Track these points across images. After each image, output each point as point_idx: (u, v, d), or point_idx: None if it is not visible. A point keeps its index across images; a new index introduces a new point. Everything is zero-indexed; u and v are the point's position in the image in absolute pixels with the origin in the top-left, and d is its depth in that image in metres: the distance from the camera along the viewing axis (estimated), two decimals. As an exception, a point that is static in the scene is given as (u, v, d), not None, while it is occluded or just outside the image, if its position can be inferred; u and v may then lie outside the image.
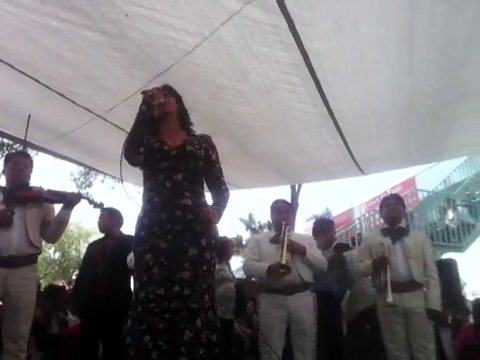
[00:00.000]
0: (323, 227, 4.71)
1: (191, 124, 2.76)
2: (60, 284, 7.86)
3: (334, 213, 20.90)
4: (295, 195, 14.57)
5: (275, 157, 4.83)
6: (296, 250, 3.62)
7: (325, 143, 4.34)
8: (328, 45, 2.79)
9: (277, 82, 3.17)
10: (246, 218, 24.03)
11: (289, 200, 13.80)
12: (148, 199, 2.43)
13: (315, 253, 3.75)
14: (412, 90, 3.37)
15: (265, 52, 2.81)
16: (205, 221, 2.34)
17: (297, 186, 14.39)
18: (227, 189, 2.68)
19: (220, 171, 2.69)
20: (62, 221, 3.29)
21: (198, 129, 3.92)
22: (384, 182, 30.56)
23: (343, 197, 45.52)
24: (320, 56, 2.89)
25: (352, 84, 3.32)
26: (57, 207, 3.36)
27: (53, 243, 4.56)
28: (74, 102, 3.24)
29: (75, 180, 15.07)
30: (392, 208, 3.91)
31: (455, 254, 9.89)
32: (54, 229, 3.35)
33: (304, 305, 3.59)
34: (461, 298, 6.56)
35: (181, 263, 2.28)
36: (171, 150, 2.47)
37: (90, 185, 14.98)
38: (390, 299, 3.45)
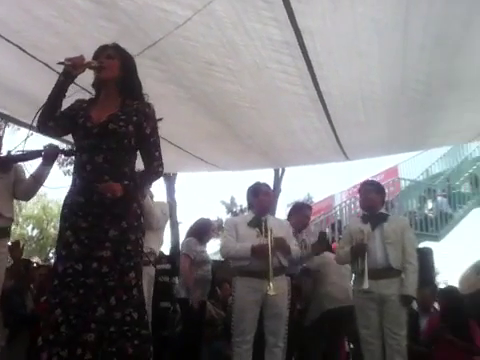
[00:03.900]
0: (295, 209, 4.78)
1: (139, 93, 2.48)
2: (34, 260, 7.72)
3: (316, 199, 21.05)
4: (278, 180, 14.65)
5: (261, 139, 4.77)
6: (283, 252, 3.66)
7: (312, 127, 4.30)
8: (323, 24, 2.72)
9: (268, 61, 3.10)
10: (228, 201, 23.94)
11: (272, 185, 13.94)
12: (73, 180, 2.36)
13: (294, 247, 3.79)
14: (404, 76, 3.34)
15: (258, 29, 2.73)
16: (104, 195, 2.20)
17: (280, 171, 14.45)
18: (159, 165, 2.43)
19: (155, 145, 2.43)
20: (39, 178, 3.09)
21: (184, 107, 3.87)
22: (367, 170, 30.77)
23: (326, 184, 45.78)
24: (314, 36, 2.82)
25: (344, 67, 3.27)
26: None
27: (26, 200, 4.44)
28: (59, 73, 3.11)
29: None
30: (366, 196, 3.93)
31: (431, 243, 10.06)
32: (29, 186, 3.22)
33: (280, 288, 3.60)
34: (434, 286, 6.66)
35: (102, 242, 2.22)
36: (94, 127, 2.30)
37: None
38: (366, 286, 3.50)
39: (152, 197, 4.21)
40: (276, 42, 2.89)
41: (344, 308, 4.07)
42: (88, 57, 2.37)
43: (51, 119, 2.33)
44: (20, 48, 2.88)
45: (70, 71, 2.26)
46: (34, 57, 2.97)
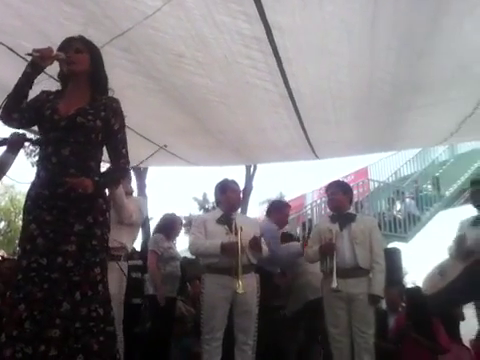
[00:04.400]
0: (275, 207, 4.85)
1: (105, 87, 2.46)
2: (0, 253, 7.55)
3: (287, 198, 21.19)
4: (250, 178, 14.67)
5: (232, 135, 4.77)
6: (255, 251, 3.69)
7: (282, 124, 4.32)
8: (292, 21, 2.73)
9: (238, 55, 3.09)
10: (200, 198, 23.86)
11: (244, 182, 13.98)
12: (37, 172, 2.32)
13: (263, 246, 3.79)
14: (372, 76, 3.38)
15: (227, 22, 2.72)
16: (74, 189, 2.18)
17: (252, 169, 14.48)
18: (125, 163, 2.44)
19: (121, 142, 2.42)
20: (3, 166, 3.02)
21: (153, 99, 3.83)
22: (338, 170, 31.19)
23: (297, 183, 46.25)
24: (283, 32, 2.83)
25: (313, 65, 3.29)
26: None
27: None
28: (25, 58, 3.03)
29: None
30: (333, 197, 3.99)
31: (400, 244, 10.26)
32: None
33: (249, 285, 3.61)
34: (402, 286, 6.78)
35: (67, 236, 2.20)
36: (61, 120, 2.27)
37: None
38: (335, 285, 3.53)
39: (131, 193, 4.19)
40: (246, 37, 2.89)
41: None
42: (54, 43, 2.32)
43: (16, 110, 2.28)
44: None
45: (38, 62, 2.22)
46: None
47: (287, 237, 5.52)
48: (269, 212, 4.80)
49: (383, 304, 4.99)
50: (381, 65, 3.20)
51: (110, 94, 2.47)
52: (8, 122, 2.37)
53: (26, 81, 2.25)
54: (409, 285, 8.65)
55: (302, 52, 3.12)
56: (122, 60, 3.18)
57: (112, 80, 2.52)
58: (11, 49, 2.94)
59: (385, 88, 3.48)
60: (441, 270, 4.29)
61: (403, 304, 5.10)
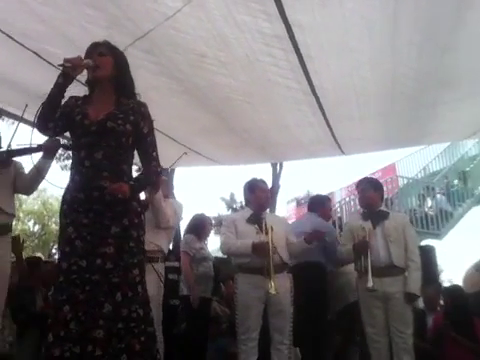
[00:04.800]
0: (318, 202, 4.84)
1: (131, 91, 2.50)
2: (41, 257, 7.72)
3: (315, 196, 20.96)
4: (276, 176, 14.61)
5: (256, 133, 4.78)
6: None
7: (306, 121, 4.31)
8: (312, 19, 2.73)
9: (259, 54, 3.11)
10: (227, 198, 23.90)
11: (271, 181, 13.93)
12: (71, 176, 2.37)
13: (292, 243, 3.81)
14: (395, 72, 3.35)
15: (248, 21, 2.74)
16: (110, 194, 2.22)
17: (278, 167, 14.43)
18: (157, 166, 2.48)
19: (152, 145, 2.47)
20: (40, 171, 3.11)
21: (176, 99, 3.89)
22: (365, 167, 30.77)
23: (324, 181, 45.68)
24: (304, 30, 2.83)
25: (335, 62, 3.28)
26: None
27: (28, 194, 4.45)
28: (50, 63, 3.11)
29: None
30: (364, 194, 3.92)
31: (433, 241, 10.05)
32: (30, 179, 3.24)
33: (282, 286, 3.58)
34: (439, 284, 6.68)
35: (104, 238, 2.24)
36: (92, 125, 2.32)
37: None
38: (370, 284, 3.46)
39: (168, 197, 4.26)
40: (267, 35, 2.91)
41: None
42: (78, 47, 2.38)
43: (51, 120, 2.34)
44: (8, 36, 2.86)
45: (69, 72, 2.27)
46: (22, 45, 2.95)
47: None
48: (312, 207, 4.77)
49: (420, 303, 4.90)
50: (404, 61, 3.17)
51: (138, 98, 2.51)
52: (44, 132, 2.45)
53: (59, 91, 2.30)
54: (445, 283, 8.50)
55: (323, 49, 3.12)
56: (145, 62, 3.24)
57: (136, 82, 2.56)
58: (38, 55, 3.02)
59: (409, 83, 3.44)
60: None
61: (441, 303, 5.00)
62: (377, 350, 3.59)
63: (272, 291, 3.39)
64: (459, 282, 5.26)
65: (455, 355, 4.04)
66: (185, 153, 4.60)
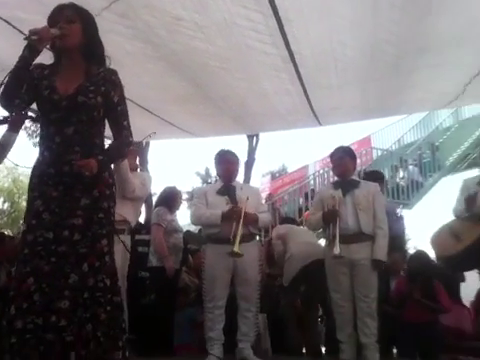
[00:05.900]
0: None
1: (101, 58, 2.33)
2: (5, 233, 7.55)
3: (290, 169, 21.16)
4: (252, 149, 14.55)
5: (233, 101, 4.69)
6: (250, 222, 3.68)
7: (284, 89, 4.25)
8: (292, -21, 2.66)
9: (237, 17, 3.02)
10: (202, 172, 23.76)
11: (246, 154, 13.89)
12: (40, 151, 2.27)
13: (262, 217, 3.83)
14: (375, 37, 3.31)
15: (226, -18, 2.65)
16: (80, 171, 2.13)
17: (255, 140, 14.37)
18: (128, 136, 2.37)
19: (123, 115, 2.34)
20: (4, 145, 3.01)
21: (152, 66, 3.76)
22: (341, 140, 31.01)
23: (299, 154, 46.05)
24: (283, -9, 2.76)
25: (315, 26, 3.22)
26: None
27: None
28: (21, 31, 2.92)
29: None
30: (340, 161, 3.91)
31: (403, 210, 10.24)
32: None
33: (250, 254, 3.63)
34: (405, 251, 6.82)
35: (73, 210, 2.17)
36: (61, 100, 2.18)
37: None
38: (337, 251, 3.49)
39: (136, 169, 4.21)
40: (244, -3, 2.82)
41: (319, 260, 4.03)
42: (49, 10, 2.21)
43: (17, 96, 2.19)
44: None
45: (35, 45, 2.10)
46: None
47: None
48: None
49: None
50: (385, 24, 3.12)
51: (107, 62, 2.36)
52: (9, 108, 2.33)
53: (24, 65, 2.14)
54: (412, 250, 8.70)
55: (303, 12, 3.05)
56: (119, 26, 3.11)
57: (110, 47, 2.41)
58: (7, 21, 2.86)
59: (388, 49, 3.41)
60: (454, 232, 4.24)
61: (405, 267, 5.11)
62: (341, 315, 3.68)
63: (235, 249, 3.39)
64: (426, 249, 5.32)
65: (416, 315, 4.23)
66: (154, 132, 4.47)
